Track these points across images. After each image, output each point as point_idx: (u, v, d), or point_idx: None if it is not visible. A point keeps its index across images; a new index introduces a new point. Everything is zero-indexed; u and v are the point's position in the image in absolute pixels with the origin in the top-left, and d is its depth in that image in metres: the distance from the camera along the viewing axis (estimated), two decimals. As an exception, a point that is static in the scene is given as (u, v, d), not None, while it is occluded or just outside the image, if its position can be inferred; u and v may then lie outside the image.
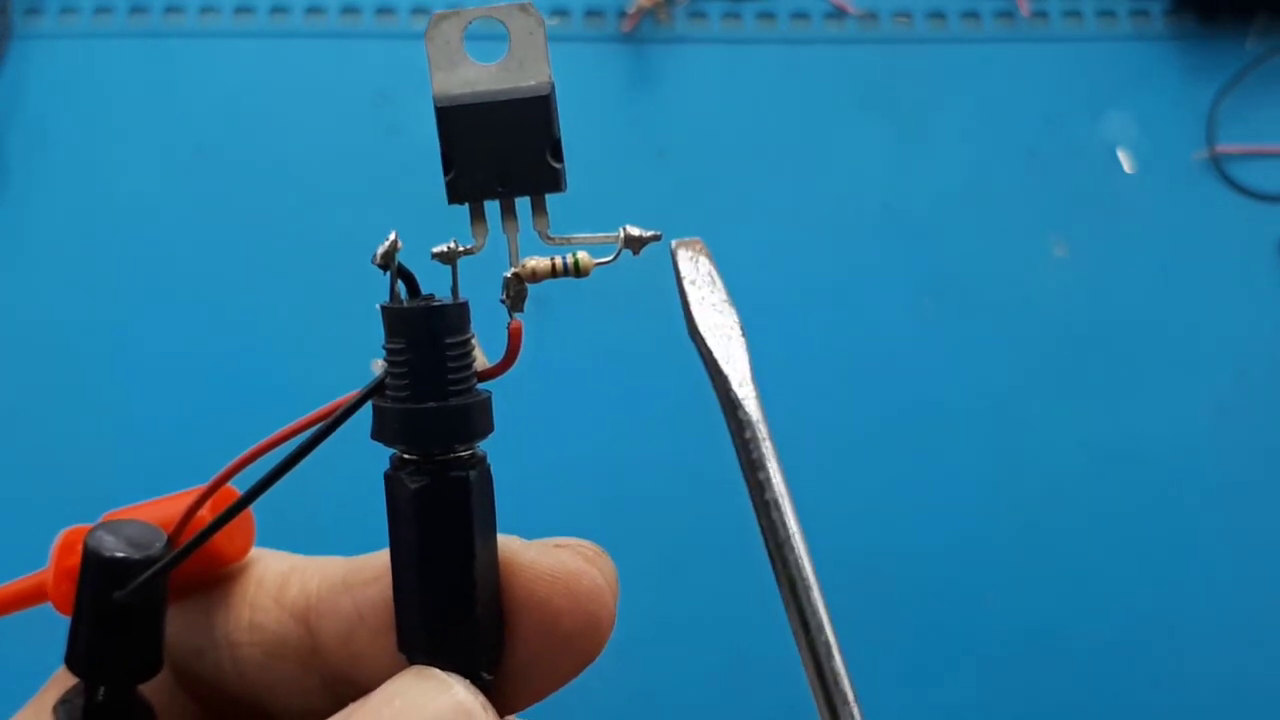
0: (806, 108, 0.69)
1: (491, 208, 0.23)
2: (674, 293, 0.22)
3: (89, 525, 0.26)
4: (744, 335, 0.21)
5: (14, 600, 0.27)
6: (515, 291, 0.23)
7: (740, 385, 0.20)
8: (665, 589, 0.57)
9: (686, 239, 0.22)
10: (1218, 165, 0.67)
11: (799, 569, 0.19)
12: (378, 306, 0.22)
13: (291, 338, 0.63)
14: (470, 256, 0.23)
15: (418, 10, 0.70)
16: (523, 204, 0.23)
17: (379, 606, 0.24)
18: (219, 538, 0.25)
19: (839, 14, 0.71)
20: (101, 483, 0.59)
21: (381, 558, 0.25)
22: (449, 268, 0.23)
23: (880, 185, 0.67)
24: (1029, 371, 0.63)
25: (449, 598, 0.23)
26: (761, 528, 0.20)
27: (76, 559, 0.25)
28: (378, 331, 0.22)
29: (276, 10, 0.70)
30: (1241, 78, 0.69)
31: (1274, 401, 0.63)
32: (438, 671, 0.22)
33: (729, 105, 0.69)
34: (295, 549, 0.28)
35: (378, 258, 0.22)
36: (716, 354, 0.21)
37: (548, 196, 0.23)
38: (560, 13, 0.70)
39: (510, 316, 0.23)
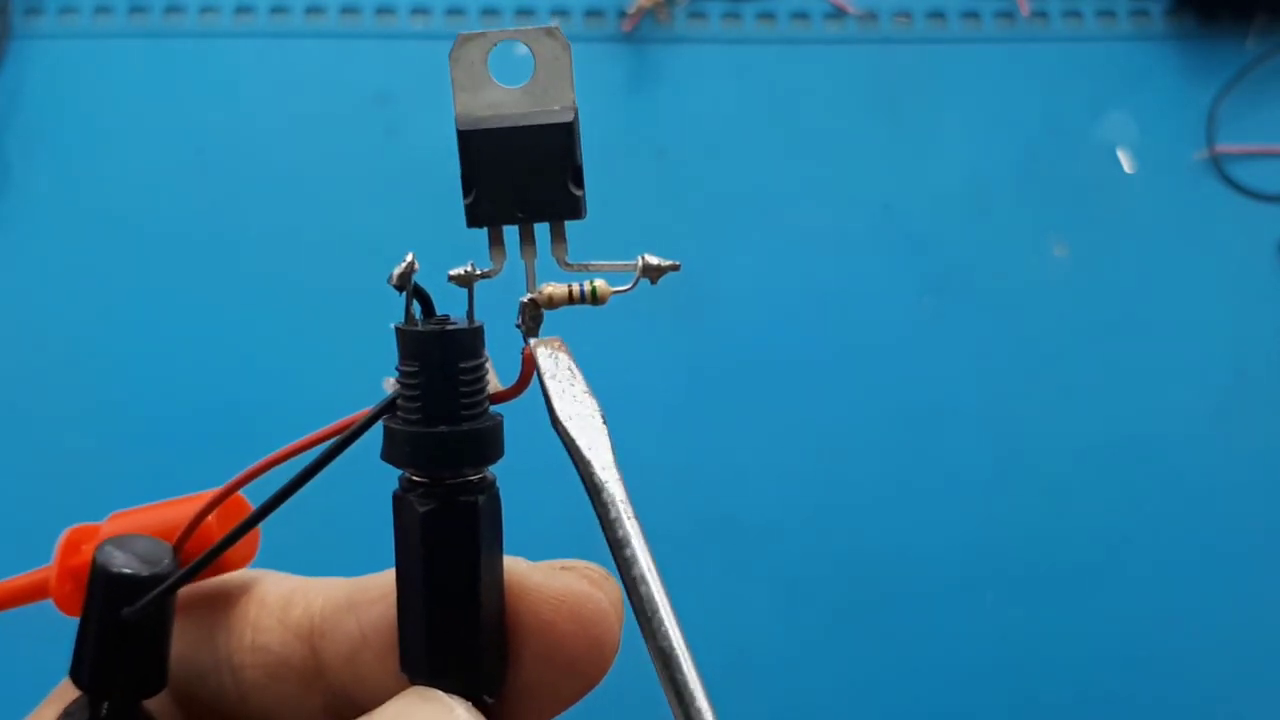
0: (806, 108, 0.69)
1: (509, 231, 0.23)
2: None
3: (94, 524, 0.26)
4: (605, 423, 0.22)
5: (16, 595, 0.27)
6: (531, 317, 0.23)
7: (603, 470, 0.21)
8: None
9: (545, 338, 0.23)
10: (1218, 165, 0.67)
11: (668, 640, 0.20)
12: (392, 327, 0.22)
13: (291, 337, 0.63)
14: (487, 280, 0.23)
15: (417, 10, 0.70)
16: (541, 229, 0.23)
17: (384, 627, 0.24)
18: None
19: (839, 14, 0.71)
20: (102, 481, 0.59)
21: (386, 577, 0.25)
22: (458, 286, 0.23)
23: (880, 185, 0.67)
24: (1029, 371, 0.63)
25: (453, 621, 0.23)
26: (631, 601, 0.21)
27: (80, 558, 0.25)
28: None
29: (276, 10, 0.70)
30: (1241, 78, 0.69)
31: (1274, 401, 0.63)
32: (439, 693, 0.22)
33: (729, 105, 0.69)
34: (300, 565, 0.27)
35: (394, 279, 0.22)
36: (579, 442, 0.21)
37: (567, 223, 0.23)
38: (560, 13, 0.70)
39: (525, 342, 0.23)
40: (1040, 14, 0.71)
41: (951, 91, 0.69)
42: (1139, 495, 0.61)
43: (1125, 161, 0.68)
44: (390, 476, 0.23)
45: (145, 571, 0.24)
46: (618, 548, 0.21)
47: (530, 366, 0.23)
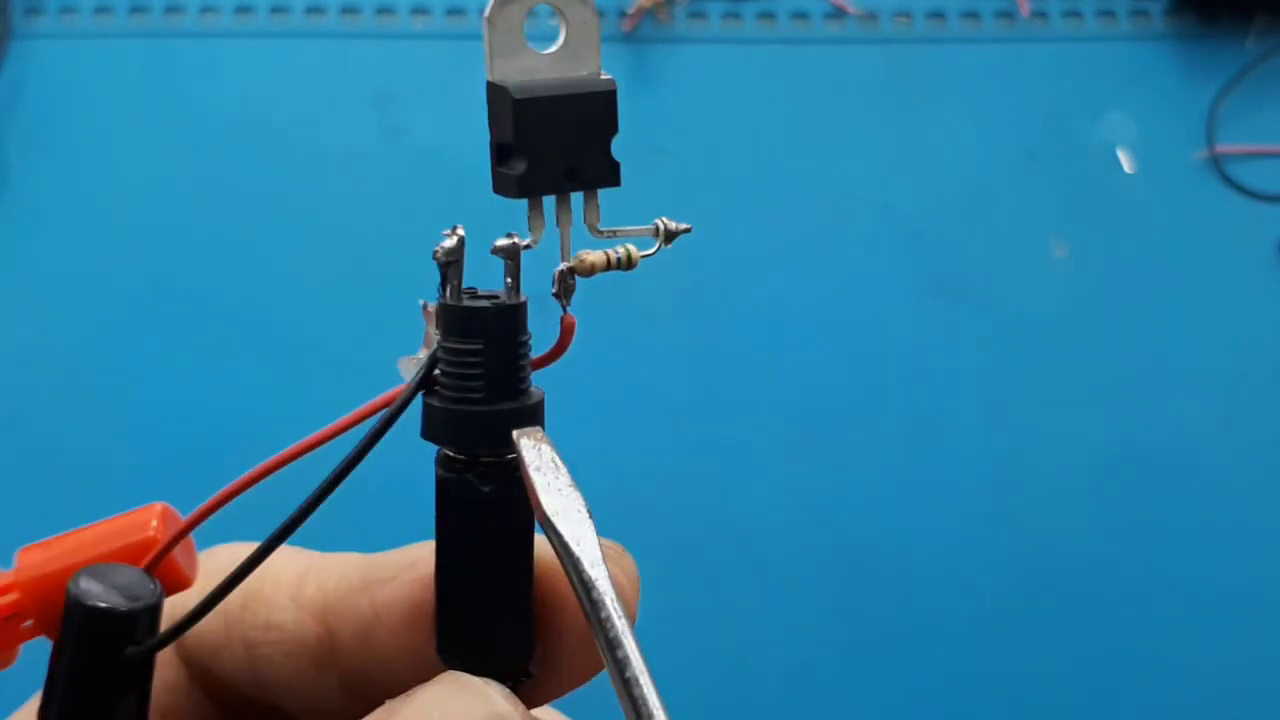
0: (806, 108, 0.69)
1: (546, 201, 0.22)
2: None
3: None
4: (591, 517, 0.21)
5: None
6: (565, 287, 0.22)
7: (592, 566, 0.21)
8: (667, 590, 0.57)
9: (527, 429, 0.22)
10: (1218, 165, 0.67)
11: None
12: (437, 304, 0.22)
13: (290, 337, 0.63)
14: (527, 251, 0.22)
15: (417, 10, 0.70)
16: (574, 196, 0.22)
17: (397, 605, 0.24)
18: (183, 566, 0.23)
19: (839, 14, 0.71)
20: (95, 486, 0.59)
21: (399, 556, 0.25)
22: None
23: (880, 185, 0.67)
24: (1029, 372, 0.63)
25: (508, 602, 0.23)
26: (622, 703, 0.20)
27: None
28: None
29: (276, 10, 0.70)
30: (1241, 78, 0.69)
31: (1275, 402, 0.63)
32: (474, 680, 0.22)
33: (729, 105, 0.69)
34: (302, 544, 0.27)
35: (440, 253, 0.21)
36: (567, 537, 0.21)
37: (601, 191, 0.22)
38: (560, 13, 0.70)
39: (563, 310, 0.23)
40: (1040, 14, 0.71)
41: (951, 91, 0.69)
42: (1139, 495, 0.61)
43: (1125, 161, 0.68)
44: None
45: (133, 606, 0.23)
46: (609, 648, 0.20)
47: (569, 335, 0.22)
